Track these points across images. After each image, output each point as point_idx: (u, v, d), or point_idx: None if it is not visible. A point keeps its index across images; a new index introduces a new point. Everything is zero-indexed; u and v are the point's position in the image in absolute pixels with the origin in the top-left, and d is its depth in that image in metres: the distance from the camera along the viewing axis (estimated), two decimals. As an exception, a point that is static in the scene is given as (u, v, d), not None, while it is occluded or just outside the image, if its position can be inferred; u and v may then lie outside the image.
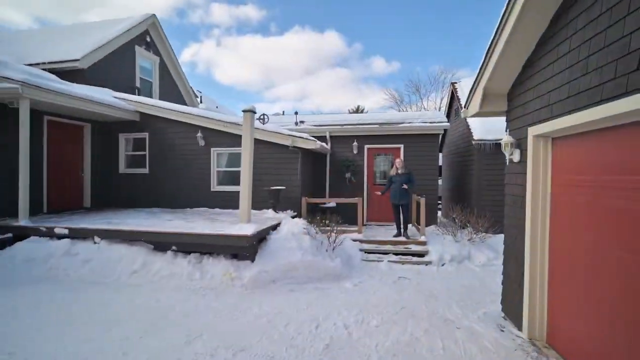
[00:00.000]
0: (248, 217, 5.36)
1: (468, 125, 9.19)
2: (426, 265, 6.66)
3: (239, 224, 5.35)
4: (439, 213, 11.65)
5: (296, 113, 10.23)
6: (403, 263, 6.71)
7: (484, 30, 38.53)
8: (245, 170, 5.43)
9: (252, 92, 55.02)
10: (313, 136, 8.20)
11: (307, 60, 47.30)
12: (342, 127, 9.20)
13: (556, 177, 3.25)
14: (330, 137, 9.37)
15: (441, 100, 22.43)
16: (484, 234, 7.44)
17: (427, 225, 7.39)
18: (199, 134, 7.90)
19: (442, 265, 6.67)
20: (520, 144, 3.73)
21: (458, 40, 39.17)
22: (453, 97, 11.31)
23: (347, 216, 9.06)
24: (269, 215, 7.00)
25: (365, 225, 9.08)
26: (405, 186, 7.24)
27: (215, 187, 8.12)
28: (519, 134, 3.76)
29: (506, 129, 4.17)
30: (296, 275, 5.23)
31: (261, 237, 5.46)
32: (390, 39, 42.45)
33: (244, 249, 5.03)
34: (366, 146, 9.27)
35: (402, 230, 7.55)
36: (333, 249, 6.05)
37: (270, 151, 7.82)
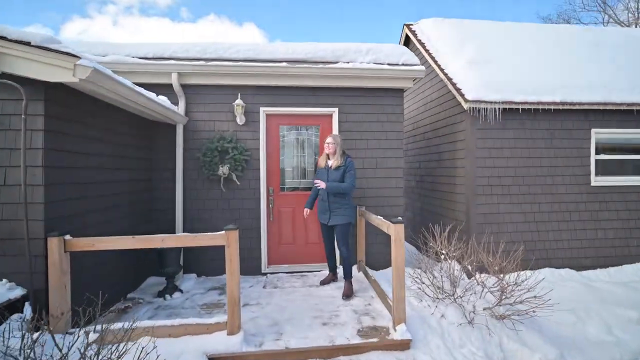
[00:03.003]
0: None
1: (450, 80, 5.06)
2: None
3: None
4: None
5: None
6: None
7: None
8: None
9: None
10: (145, 86, 3.12)
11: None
12: (209, 64, 4.15)
13: None
14: (183, 86, 4.25)
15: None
16: (518, 293, 3.30)
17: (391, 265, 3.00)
18: None
19: None
20: None
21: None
22: (408, 44, 7.22)
23: (221, 264, 4.15)
24: None
25: (265, 275, 4.27)
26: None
27: None
28: None
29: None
30: None
31: None
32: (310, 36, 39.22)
33: None
34: (264, 109, 4.42)
35: (342, 282, 3.07)
36: None
37: None
